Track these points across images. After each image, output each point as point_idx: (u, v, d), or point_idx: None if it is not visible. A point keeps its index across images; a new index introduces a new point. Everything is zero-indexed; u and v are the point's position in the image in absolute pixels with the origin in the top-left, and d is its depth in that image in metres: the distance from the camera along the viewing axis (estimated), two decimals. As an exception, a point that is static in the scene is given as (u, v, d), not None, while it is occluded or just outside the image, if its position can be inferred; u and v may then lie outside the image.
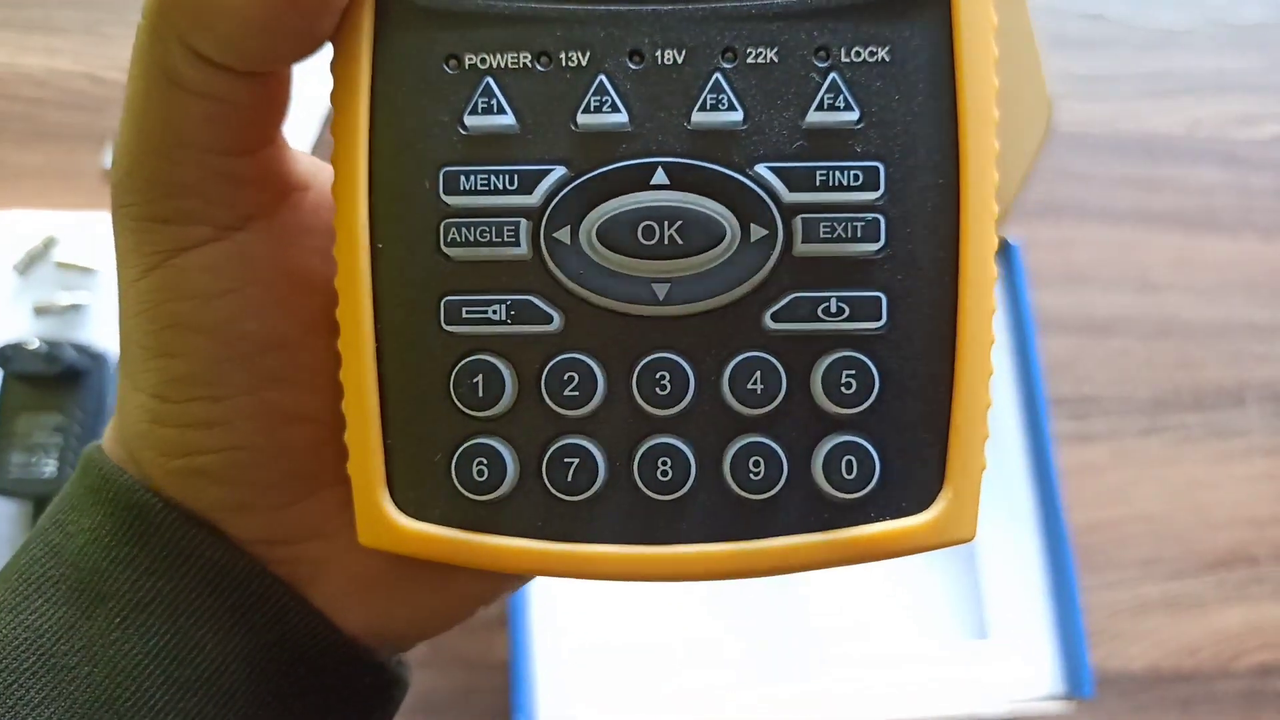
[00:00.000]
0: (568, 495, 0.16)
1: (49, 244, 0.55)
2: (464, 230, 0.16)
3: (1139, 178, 0.63)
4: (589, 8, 0.15)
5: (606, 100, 0.15)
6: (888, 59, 0.16)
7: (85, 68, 0.60)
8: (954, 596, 0.54)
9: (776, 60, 0.15)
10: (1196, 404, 0.59)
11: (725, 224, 0.15)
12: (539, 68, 0.15)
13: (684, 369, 0.15)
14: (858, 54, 0.16)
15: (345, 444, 0.17)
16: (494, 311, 0.16)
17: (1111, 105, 0.64)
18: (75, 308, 0.54)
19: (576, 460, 0.16)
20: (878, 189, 0.16)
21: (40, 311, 0.54)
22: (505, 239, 0.16)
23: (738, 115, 0.15)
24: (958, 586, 0.54)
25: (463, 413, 0.16)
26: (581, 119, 0.15)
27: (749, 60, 0.15)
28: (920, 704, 0.47)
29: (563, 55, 0.15)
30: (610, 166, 0.15)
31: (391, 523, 0.16)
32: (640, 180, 0.15)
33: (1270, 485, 0.58)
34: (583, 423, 0.16)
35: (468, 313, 0.16)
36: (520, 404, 0.16)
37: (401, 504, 0.17)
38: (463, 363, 0.16)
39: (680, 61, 0.15)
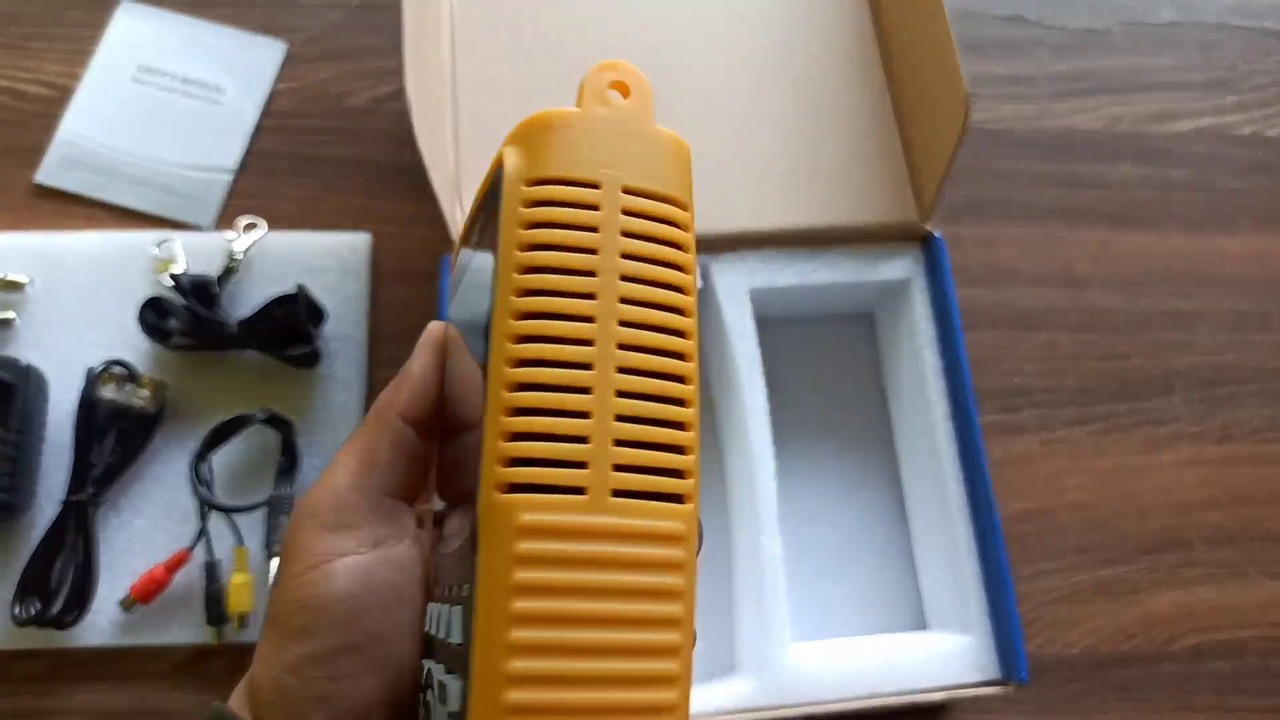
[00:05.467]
0: None
1: (-27, 260, 0.54)
2: None
3: (1061, 175, 0.64)
4: None
5: None
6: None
7: (7, 82, 0.60)
8: (893, 590, 0.54)
9: None
10: (1123, 393, 0.60)
11: None
12: None
13: None
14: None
15: None
16: None
17: (1032, 105, 0.66)
18: (2, 323, 0.54)
19: None
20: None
21: (-37, 328, 0.53)
22: None
23: None
24: (896, 580, 0.54)
25: None
26: None
27: None
28: (861, 690, 0.47)
29: None
30: None
31: None
32: None
33: (1198, 470, 0.59)
34: None
35: None
36: None
37: None
38: None
39: None
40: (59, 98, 0.60)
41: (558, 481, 0.20)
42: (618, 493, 0.21)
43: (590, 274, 0.21)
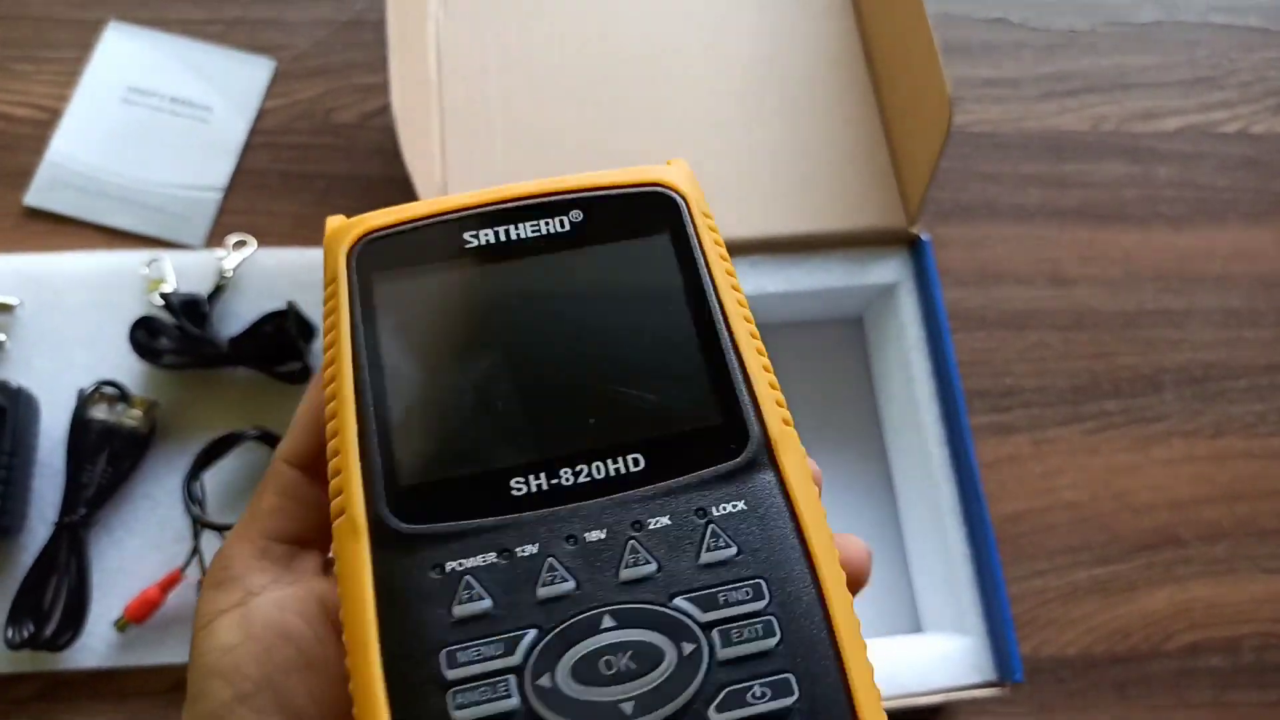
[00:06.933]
0: None
1: (-37, 283, 0.54)
2: (468, 694, 0.20)
3: (1047, 175, 0.64)
4: (530, 514, 0.21)
5: (557, 574, 0.21)
6: (745, 507, 0.22)
7: (-6, 105, 0.60)
8: (887, 593, 0.54)
9: (670, 522, 0.22)
10: (1114, 391, 0.60)
11: (664, 647, 0.20)
12: (502, 561, 0.21)
13: None
14: (723, 508, 0.22)
15: None
16: None
17: (1017, 106, 0.66)
18: (-8, 346, 0.54)
19: None
20: (765, 598, 0.21)
21: (-46, 351, 0.53)
22: (500, 694, 0.20)
23: (652, 566, 0.21)
24: (890, 583, 0.54)
25: None
26: (541, 591, 0.21)
27: (650, 527, 0.21)
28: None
29: (517, 549, 0.21)
30: (570, 621, 0.20)
31: None
32: (594, 626, 0.20)
33: (1190, 467, 0.59)
34: None
35: None
36: None
37: None
38: None
39: (604, 537, 0.21)
40: (48, 119, 0.60)
41: None
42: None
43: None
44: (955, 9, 0.68)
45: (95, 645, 0.50)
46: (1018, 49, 0.68)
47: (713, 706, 0.20)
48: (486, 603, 0.21)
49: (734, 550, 0.21)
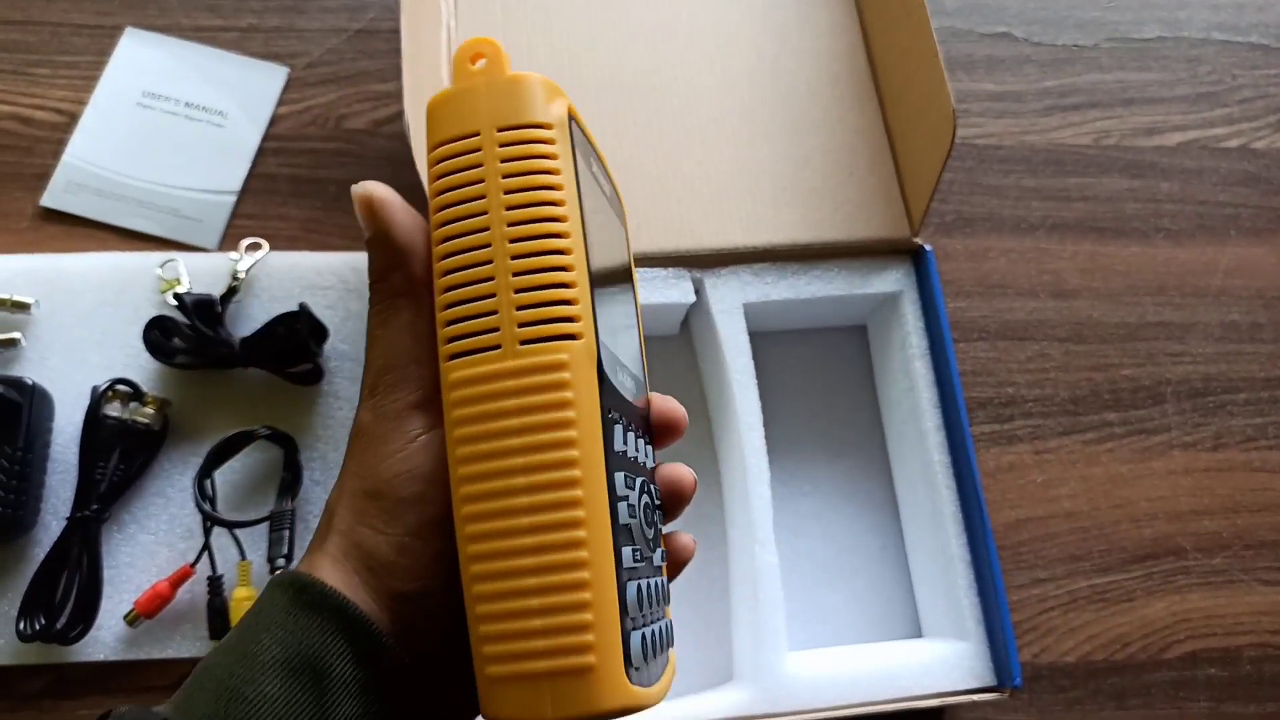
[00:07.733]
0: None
1: (-19, 282, 0.55)
2: (625, 507, 0.26)
3: (1050, 188, 0.65)
4: (606, 393, 0.27)
5: (636, 439, 0.28)
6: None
7: (14, 108, 0.61)
8: (888, 599, 0.55)
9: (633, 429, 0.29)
10: (1115, 403, 0.61)
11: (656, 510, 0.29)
12: (611, 418, 0.26)
13: None
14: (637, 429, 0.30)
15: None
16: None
17: (1020, 120, 0.67)
18: (8, 343, 0.54)
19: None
20: (656, 497, 0.30)
21: (-29, 348, 0.54)
22: (633, 516, 0.26)
23: (643, 456, 0.29)
24: (891, 589, 0.55)
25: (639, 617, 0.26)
26: (628, 448, 0.27)
27: (630, 428, 0.28)
28: (857, 697, 0.48)
29: (611, 413, 0.26)
30: (647, 475, 0.29)
31: (631, 690, 0.24)
32: (650, 485, 0.29)
33: (1190, 479, 0.59)
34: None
35: (638, 558, 0.26)
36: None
37: (632, 679, 0.25)
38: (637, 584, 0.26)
39: (629, 424, 0.28)
40: (65, 123, 0.61)
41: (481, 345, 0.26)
42: (525, 341, 0.25)
43: (480, 196, 0.26)
44: (960, 23, 0.69)
45: (105, 639, 0.50)
46: (1021, 63, 0.69)
47: (657, 553, 0.28)
48: (625, 447, 0.27)
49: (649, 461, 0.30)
